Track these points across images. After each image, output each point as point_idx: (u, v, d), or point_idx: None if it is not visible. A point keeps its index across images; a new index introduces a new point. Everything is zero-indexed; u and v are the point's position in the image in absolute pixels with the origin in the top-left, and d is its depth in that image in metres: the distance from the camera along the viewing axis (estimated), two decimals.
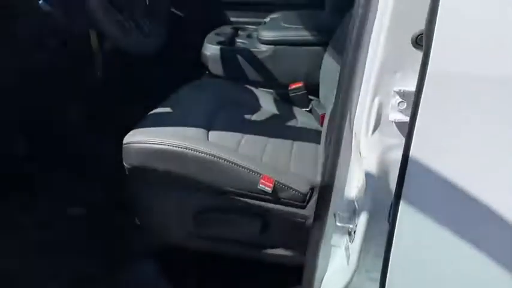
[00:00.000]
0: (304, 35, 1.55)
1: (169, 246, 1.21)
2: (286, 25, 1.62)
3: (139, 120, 1.23)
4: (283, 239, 1.10)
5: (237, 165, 1.06)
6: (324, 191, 0.87)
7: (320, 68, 1.50)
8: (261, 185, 1.04)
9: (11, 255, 1.26)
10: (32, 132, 1.67)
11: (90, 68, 1.55)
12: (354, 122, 0.77)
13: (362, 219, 0.75)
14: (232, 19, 2.38)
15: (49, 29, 1.19)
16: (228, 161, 1.06)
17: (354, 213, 0.79)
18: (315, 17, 1.70)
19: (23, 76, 1.20)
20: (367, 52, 0.71)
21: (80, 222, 1.44)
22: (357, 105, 0.75)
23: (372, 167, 0.72)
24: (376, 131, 0.74)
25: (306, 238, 0.97)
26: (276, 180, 1.04)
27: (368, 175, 0.72)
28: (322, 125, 1.41)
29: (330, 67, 1.41)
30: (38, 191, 1.56)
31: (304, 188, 1.06)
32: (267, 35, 1.59)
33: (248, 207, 1.08)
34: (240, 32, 1.86)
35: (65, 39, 1.27)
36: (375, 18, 0.69)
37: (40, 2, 1.13)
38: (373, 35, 0.70)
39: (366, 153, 0.74)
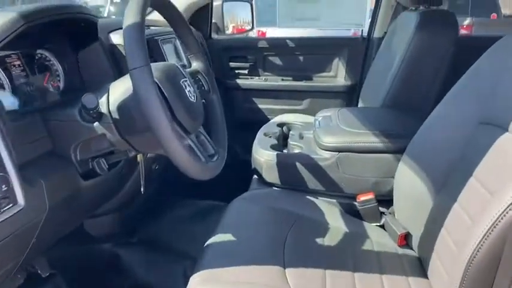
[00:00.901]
0: (372, 141, 1.39)
1: None
2: (347, 128, 1.47)
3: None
4: None
5: None
6: None
7: (393, 177, 1.34)
8: None
9: None
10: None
11: (132, 184, 1.40)
12: None
13: None
14: (265, 106, 2.31)
15: (104, 150, 1.05)
16: None
17: None
18: (379, 119, 1.55)
19: (77, 197, 1.05)
20: None
21: None
22: None
23: None
24: None
25: None
26: None
27: None
28: (400, 245, 1.24)
29: (407, 179, 1.25)
30: None
31: None
32: (329, 140, 1.42)
33: None
34: (290, 132, 1.72)
35: (119, 161, 1.12)
36: None
37: (95, 124, 0.99)
38: None
39: None
